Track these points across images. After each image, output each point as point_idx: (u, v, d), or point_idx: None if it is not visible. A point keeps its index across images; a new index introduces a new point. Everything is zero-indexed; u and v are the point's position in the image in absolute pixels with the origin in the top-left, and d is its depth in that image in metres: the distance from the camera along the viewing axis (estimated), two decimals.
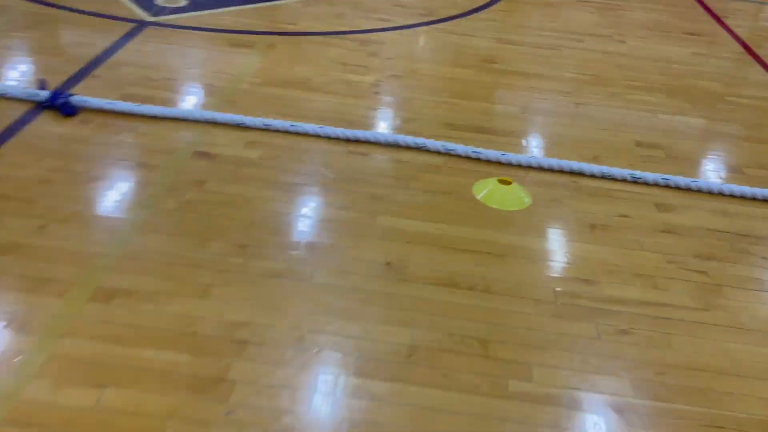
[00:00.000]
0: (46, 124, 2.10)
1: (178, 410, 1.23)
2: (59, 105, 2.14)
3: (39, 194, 1.79)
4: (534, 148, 2.32)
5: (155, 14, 3.03)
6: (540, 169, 2.15)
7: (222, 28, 3.03)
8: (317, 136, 2.20)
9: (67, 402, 1.22)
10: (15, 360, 1.29)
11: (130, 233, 1.69)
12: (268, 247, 1.69)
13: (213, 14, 3.16)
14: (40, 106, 2.16)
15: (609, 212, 1.99)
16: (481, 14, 3.59)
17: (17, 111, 2.15)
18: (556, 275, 1.71)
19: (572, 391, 1.37)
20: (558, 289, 1.65)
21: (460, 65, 2.94)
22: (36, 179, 1.85)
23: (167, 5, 3.15)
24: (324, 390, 1.31)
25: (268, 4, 3.40)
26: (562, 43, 3.29)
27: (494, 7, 3.70)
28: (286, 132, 2.20)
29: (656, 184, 2.12)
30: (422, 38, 3.23)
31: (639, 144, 2.40)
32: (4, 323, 1.38)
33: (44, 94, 2.18)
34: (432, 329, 1.49)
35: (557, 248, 1.83)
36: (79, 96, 2.20)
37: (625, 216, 1.97)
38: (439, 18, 3.45)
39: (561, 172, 2.15)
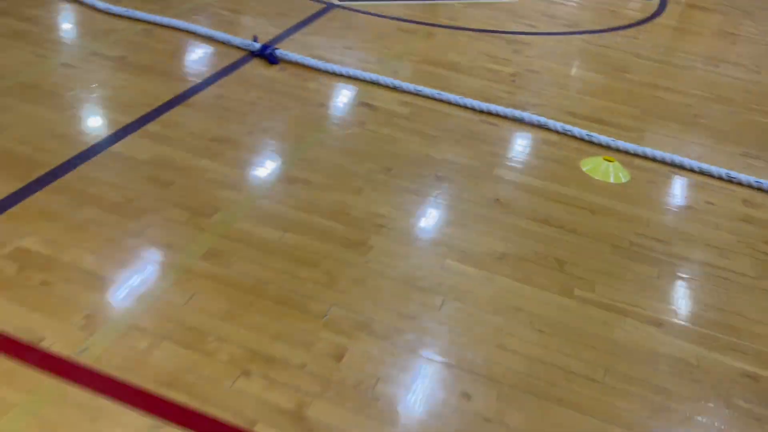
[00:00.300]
0: (256, 68, 2.76)
1: (332, 254, 1.77)
2: (266, 54, 2.80)
3: (248, 112, 2.42)
4: (643, 141, 2.65)
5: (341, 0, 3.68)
6: (644, 157, 2.49)
7: (393, 16, 3.61)
8: (457, 104, 2.69)
9: (261, 234, 1.80)
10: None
11: (309, 145, 2.27)
12: (406, 173, 2.20)
13: (387, 5, 3.76)
14: (253, 54, 2.84)
15: (697, 198, 2.29)
16: (626, 31, 3.90)
17: (236, 56, 2.83)
18: (636, 232, 2.06)
19: (624, 305, 1.74)
20: (634, 241, 2.01)
21: (593, 70, 3.30)
22: (247, 101, 2.49)
23: None
24: (433, 263, 1.79)
25: (432, 2, 3.95)
26: (696, 65, 3.53)
27: (640, 26, 3.99)
28: (433, 98, 2.71)
29: (749, 186, 2.38)
30: (562, 44, 3.61)
31: (745, 154, 2.64)
32: (231, 181, 2.00)
33: (256, 46, 2.85)
34: (521, 246, 1.92)
35: (643, 215, 2.17)
36: (281, 50, 2.85)
37: (711, 203, 2.27)
38: (581, 30, 3.81)
39: (663, 162, 2.47)
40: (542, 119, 2.62)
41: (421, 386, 1.42)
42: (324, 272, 1.70)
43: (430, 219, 2.00)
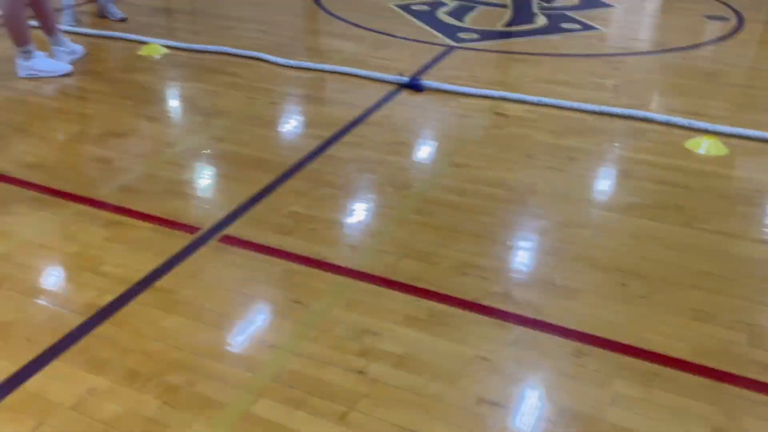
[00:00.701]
0: (407, 96, 3.50)
1: (497, 209, 2.40)
2: (414, 84, 3.55)
3: (411, 124, 3.14)
4: (740, 125, 3.14)
5: (459, 42, 4.43)
6: (738, 137, 3.00)
7: (503, 50, 4.31)
8: (573, 109, 3.31)
9: (447, 198, 2.47)
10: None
11: (463, 143, 2.95)
12: (544, 156, 2.82)
13: (496, 43, 4.47)
14: (402, 86, 3.59)
15: None
16: (711, 46, 4.41)
17: (390, 88, 3.59)
18: (737, 186, 2.57)
19: (735, 232, 2.26)
20: (736, 191, 2.52)
21: (687, 77, 3.83)
22: (408, 118, 3.22)
23: (466, 37, 4.54)
24: (584, 211, 2.39)
25: (537, 37, 4.62)
26: None
27: (723, 42, 4.49)
28: (552, 106, 3.34)
29: None
30: (655, 61, 4.17)
31: None
32: (416, 167, 2.69)
33: (405, 79, 3.60)
34: (647, 198, 2.48)
35: (742, 174, 2.67)
36: (424, 81, 3.59)
37: None
38: (670, 47, 4.36)
39: (756, 139, 2.97)
40: (648, 114, 3.19)
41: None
42: (495, 220, 2.34)
43: (573, 185, 2.60)
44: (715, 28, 4.82)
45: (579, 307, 1.91)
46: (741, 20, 4.96)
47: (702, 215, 2.37)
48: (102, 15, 4.68)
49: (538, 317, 1.87)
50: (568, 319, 1.86)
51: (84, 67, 3.79)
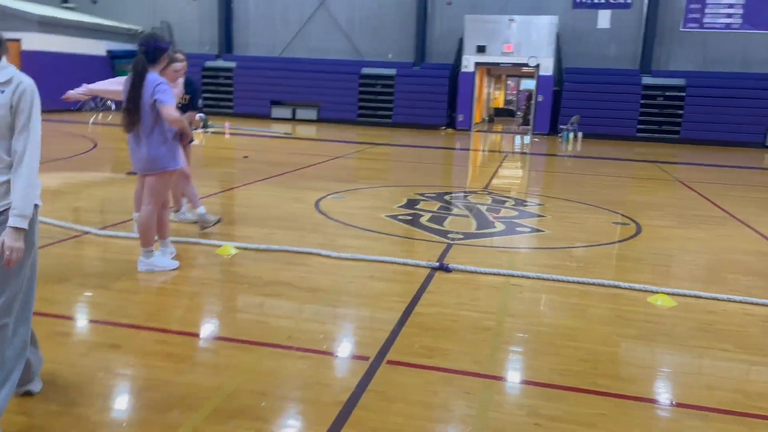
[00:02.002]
0: (441, 277, 4.72)
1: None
2: (444, 268, 4.81)
3: (448, 292, 4.33)
4: None
5: (452, 240, 5.84)
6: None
7: (486, 245, 5.76)
8: (554, 280, 4.68)
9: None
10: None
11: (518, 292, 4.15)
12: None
13: (479, 240, 5.94)
14: (434, 270, 4.83)
15: None
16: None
17: (425, 271, 4.81)
18: None
19: None
20: None
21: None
22: (451, 280, 4.41)
23: (455, 237, 5.98)
24: None
25: (502, 237, 6.17)
26: None
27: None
28: (553, 280, 4.70)
29: None
30: (594, 250, 5.79)
31: None
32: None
33: (435, 264, 4.86)
34: None
35: None
36: (451, 264, 4.86)
37: None
38: (598, 243, 6.05)
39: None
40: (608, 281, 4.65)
41: None
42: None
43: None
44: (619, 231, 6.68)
45: None
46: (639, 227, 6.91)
47: None
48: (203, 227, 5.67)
49: None
50: None
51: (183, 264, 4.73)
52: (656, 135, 19.62)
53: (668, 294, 4.41)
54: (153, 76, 4.15)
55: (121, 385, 2.89)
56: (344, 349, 3.41)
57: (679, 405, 2.92)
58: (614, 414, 2.79)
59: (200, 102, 5.89)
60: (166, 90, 4.08)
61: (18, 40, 20.00)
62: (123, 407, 2.72)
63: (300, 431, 2.59)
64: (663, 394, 3.04)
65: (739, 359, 3.44)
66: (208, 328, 3.64)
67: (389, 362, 3.21)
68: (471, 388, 2.97)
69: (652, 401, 2.96)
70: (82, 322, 3.67)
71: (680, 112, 19.36)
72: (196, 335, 3.51)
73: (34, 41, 19.86)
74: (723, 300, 4.37)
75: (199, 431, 2.51)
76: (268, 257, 4.98)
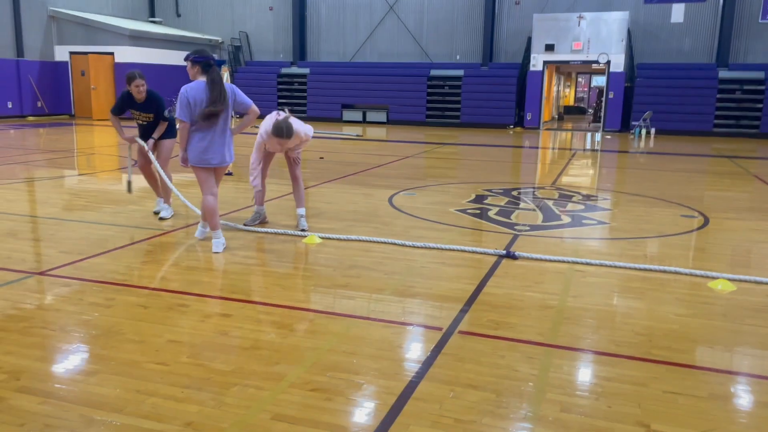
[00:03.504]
0: (507, 263, 5.10)
1: None
2: (511, 255, 5.18)
3: (515, 276, 4.69)
4: None
5: (518, 231, 6.19)
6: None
7: (555, 236, 6.07)
8: (618, 267, 4.96)
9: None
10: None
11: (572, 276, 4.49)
12: None
13: (544, 231, 6.26)
14: (501, 257, 5.20)
15: None
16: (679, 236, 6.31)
17: (492, 258, 5.20)
18: None
19: None
20: None
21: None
22: (523, 266, 4.78)
23: (521, 228, 6.32)
24: None
25: (567, 228, 6.46)
26: None
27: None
28: (616, 267, 4.99)
29: None
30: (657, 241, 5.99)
31: None
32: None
33: (502, 252, 5.24)
34: None
35: None
36: (517, 252, 5.23)
37: None
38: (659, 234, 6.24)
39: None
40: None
41: None
42: None
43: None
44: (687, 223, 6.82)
45: None
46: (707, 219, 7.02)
47: None
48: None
49: None
50: None
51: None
52: (734, 130, 19.07)
53: (728, 279, 4.61)
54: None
55: (235, 345, 3.45)
56: (421, 320, 3.86)
57: (726, 371, 3.20)
58: (666, 377, 3.11)
59: (166, 112, 6.37)
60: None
61: (111, 54, 21.65)
62: (238, 362, 3.28)
63: (384, 383, 3.05)
64: (712, 362, 3.32)
65: None
66: (303, 302, 4.17)
67: (461, 332, 3.64)
68: (534, 354, 3.36)
69: (702, 368, 3.25)
70: (196, 297, 4.29)
71: (759, 105, 18.74)
72: (295, 308, 4.05)
73: (126, 54, 21.45)
74: None
75: (302, 379, 3.03)
76: (348, 246, 5.50)
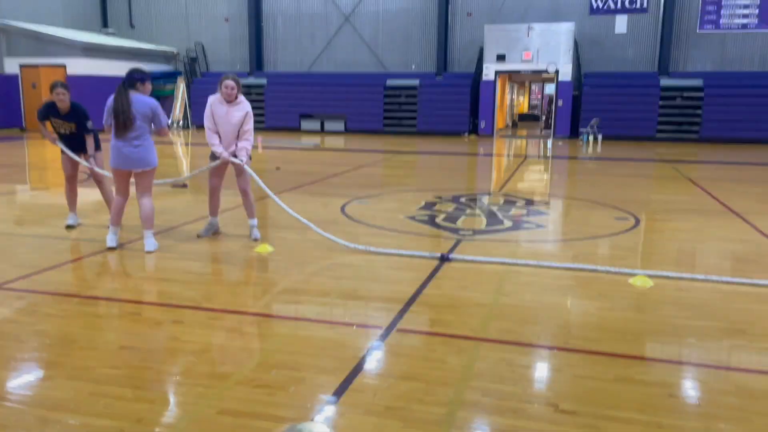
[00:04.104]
0: (448, 266, 5.42)
1: None
2: (447, 258, 5.51)
3: (453, 278, 5.02)
4: None
5: (461, 236, 6.53)
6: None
7: (498, 239, 6.43)
8: (553, 267, 5.33)
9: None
10: None
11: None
12: None
13: (488, 236, 6.62)
14: (441, 260, 5.52)
15: None
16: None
17: (434, 262, 5.51)
18: None
19: None
20: None
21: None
22: (459, 269, 5.10)
23: (465, 233, 6.66)
24: None
25: (510, 232, 6.84)
26: None
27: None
28: (549, 267, 5.36)
29: None
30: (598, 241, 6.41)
31: None
32: None
33: (438, 255, 5.56)
34: None
35: None
36: (453, 254, 5.55)
37: None
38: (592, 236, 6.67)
39: None
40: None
41: None
42: None
43: None
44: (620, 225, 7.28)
45: None
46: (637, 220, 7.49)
47: None
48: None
49: None
50: None
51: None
52: (676, 135, 19.97)
53: (647, 276, 5.03)
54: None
55: (185, 350, 3.66)
56: (363, 320, 4.14)
57: (633, 357, 3.57)
58: (578, 364, 3.46)
59: (89, 123, 6.58)
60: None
61: (64, 66, 21.41)
62: (187, 364, 3.49)
63: (324, 377, 3.31)
64: (622, 349, 3.69)
65: (694, 324, 4.06)
66: (252, 307, 4.40)
67: (399, 330, 3.92)
68: (464, 347, 3.67)
69: (612, 354, 3.61)
70: (149, 305, 4.47)
71: (699, 111, 19.70)
72: (245, 313, 4.27)
73: (79, 66, 21.23)
74: (694, 279, 4.97)
75: (247, 377, 3.27)
76: (300, 252, 5.75)
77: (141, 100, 5.62)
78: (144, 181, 5.81)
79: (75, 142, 6.55)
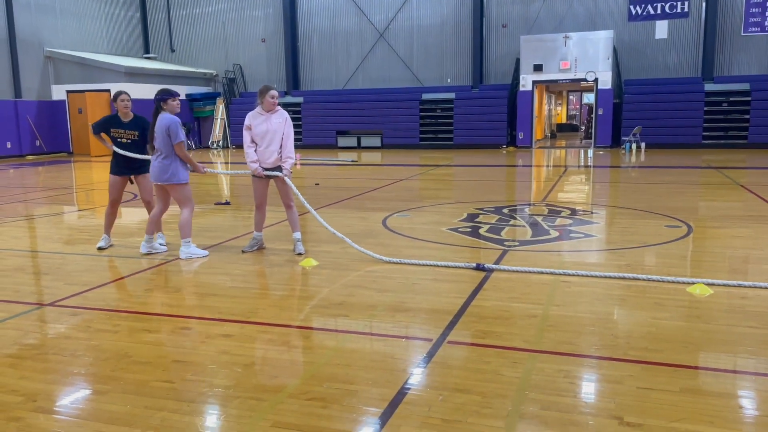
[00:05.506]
0: (496, 276, 5.32)
1: None
2: (483, 268, 5.40)
3: (502, 289, 4.91)
4: None
5: (507, 246, 6.42)
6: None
7: (543, 249, 6.30)
8: (602, 277, 5.18)
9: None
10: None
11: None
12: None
13: (532, 246, 6.49)
14: (475, 269, 5.42)
15: None
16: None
17: (482, 273, 5.41)
18: None
19: None
20: None
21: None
22: (504, 279, 5.00)
23: (510, 244, 6.55)
24: None
25: (556, 242, 6.69)
26: None
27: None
28: (600, 277, 5.21)
29: None
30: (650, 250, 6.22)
31: None
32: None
33: (473, 265, 5.46)
34: None
35: None
36: (487, 265, 5.45)
37: None
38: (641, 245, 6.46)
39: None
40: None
41: None
42: None
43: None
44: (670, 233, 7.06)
45: None
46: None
47: None
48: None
49: None
50: None
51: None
52: (722, 141, 19.41)
53: (705, 284, 4.83)
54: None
55: (236, 362, 3.65)
56: (412, 333, 4.07)
57: (697, 367, 3.41)
58: (640, 375, 3.32)
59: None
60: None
61: (108, 90, 22.09)
62: (238, 377, 3.47)
63: (377, 390, 3.25)
64: (685, 359, 3.53)
65: (759, 333, 3.86)
66: (300, 321, 4.38)
67: (449, 342, 3.84)
68: (518, 359, 3.57)
69: (675, 365, 3.45)
70: (198, 320, 4.50)
71: (746, 116, 19.11)
72: (293, 326, 4.26)
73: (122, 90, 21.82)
74: (756, 287, 4.75)
75: (300, 390, 3.23)
76: (344, 267, 5.73)
77: (162, 118, 6.07)
78: (176, 195, 6.21)
79: (135, 151, 6.65)
